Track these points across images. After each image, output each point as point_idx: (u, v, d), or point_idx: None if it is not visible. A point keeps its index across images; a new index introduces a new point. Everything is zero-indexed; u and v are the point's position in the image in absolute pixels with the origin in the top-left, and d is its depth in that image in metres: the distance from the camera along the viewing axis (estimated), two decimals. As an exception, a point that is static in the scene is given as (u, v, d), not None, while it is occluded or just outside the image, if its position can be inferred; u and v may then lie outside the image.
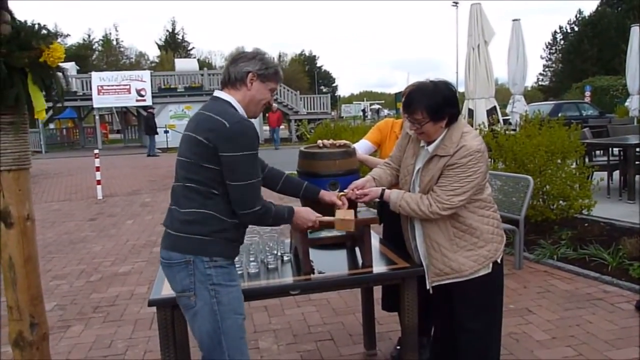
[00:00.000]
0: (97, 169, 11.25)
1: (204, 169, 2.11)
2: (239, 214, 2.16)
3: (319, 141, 2.90)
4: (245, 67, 2.21)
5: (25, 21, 2.18)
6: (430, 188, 2.50)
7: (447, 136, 2.47)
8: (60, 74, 2.25)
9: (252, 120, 2.28)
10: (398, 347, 3.43)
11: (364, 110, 45.82)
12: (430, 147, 2.53)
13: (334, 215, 2.52)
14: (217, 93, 2.26)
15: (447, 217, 2.50)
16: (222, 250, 2.19)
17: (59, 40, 2.23)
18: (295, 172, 2.88)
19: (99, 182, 11.20)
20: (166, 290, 2.46)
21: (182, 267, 2.16)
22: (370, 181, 2.74)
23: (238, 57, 2.25)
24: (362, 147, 3.34)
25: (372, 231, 2.86)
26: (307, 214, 2.41)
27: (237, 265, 2.63)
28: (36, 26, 2.15)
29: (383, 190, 2.66)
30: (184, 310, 2.24)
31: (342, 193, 2.61)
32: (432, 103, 2.42)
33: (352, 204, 2.67)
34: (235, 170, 2.09)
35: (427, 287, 2.68)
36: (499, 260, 2.59)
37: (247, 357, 2.27)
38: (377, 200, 2.75)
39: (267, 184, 2.64)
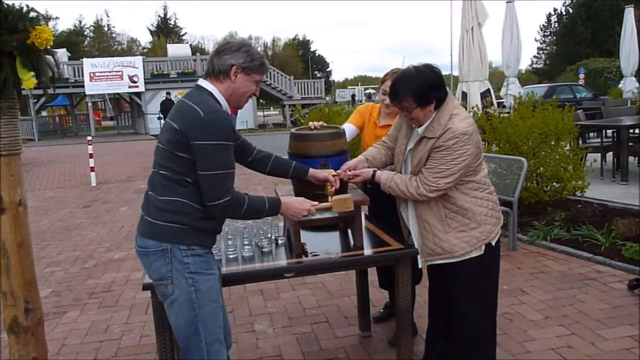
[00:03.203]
0: (91, 156, 11.20)
1: (177, 157, 2.08)
2: (207, 204, 2.11)
3: (310, 123, 2.92)
4: (229, 59, 2.17)
5: (13, 4, 2.15)
6: (420, 169, 2.51)
7: (436, 118, 2.47)
8: (50, 57, 2.23)
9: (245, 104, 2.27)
10: (381, 310, 3.85)
11: (353, 96, 45.51)
12: (420, 129, 2.53)
13: (324, 194, 2.53)
14: (201, 82, 2.23)
15: (438, 198, 2.51)
16: (199, 239, 2.17)
17: (49, 24, 2.19)
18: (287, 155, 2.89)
19: (92, 169, 11.16)
20: (161, 274, 2.46)
21: (158, 255, 2.14)
22: (362, 161, 2.75)
23: (222, 49, 2.20)
24: (346, 130, 3.36)
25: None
26: (300, 204, 2.35)
27: (231, 249, 2.64)
28: (24, 8, 2.12)
29: (374, 171, 2.68)
30: (161, 298, 2.21)
31: (334, 173, 2.61)
32: (418, 89, 2.42)
33: (343, 185, 2.69)
34: (206, 160, 2.06)
35: (420, 266, 2.70)
36: (493, 243, 2.58)
37: (223, 343, 2.27)
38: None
39: (256, 166, 2.62)
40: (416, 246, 2.68)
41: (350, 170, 2.66)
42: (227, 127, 2.09)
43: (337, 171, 2.64)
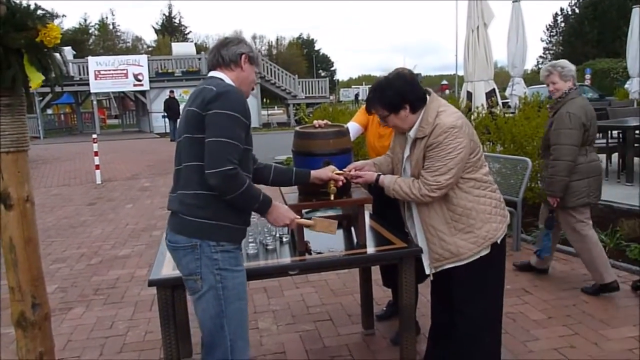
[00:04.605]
0: (96, 153, 11.25)
1: (197, 142, 2.10)
2: (206, 174, 2.04)
3: (315, 121, 2.95)
4: (238, 49, 2.28)
5: (21, 2, 2.16)
6: (419, 172, 2.54)
7: (424, 118, 2.52)
8: (57, 55, 2.24)
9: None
10: (385, 309, 3.86)
11: (357, 95, 45.39)
12: (411, 132, 2.58)
13: (327, 192, 2.56)
14: (212, 73, 2.30)
15: (442, 200, 2.52)
16: (228, 234, 2.19)
17: (56, 21, 2.21)
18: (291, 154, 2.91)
19: (97, 167, 11.21)
20: (166, 271, 2.49)
21: (188, 251, 2.16)
22: (370, 165, 2.81)
23: (227, 42, 2.31)
24: (351, 128, 3.38)
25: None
26: (286, 211, 2.33)
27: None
28: (32, 6, 2.14)
29: (378, 175, 2.70)
30: (190, 292, 2.25)
31: (338, 172, 2.63)
32: (386, 99, 2.52)
33: (347, 184, 2.71)
34: (213, 127, 2.06)
35: (427, 273, 2.70)
36: (498, 241, 2.58)
37: (247, 341, 2.29)
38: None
39: (259, 178, 2.62)
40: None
41: (356, 170, 2.70)
42: (241, 101, 2.13)
43: (344, 170, 2.67)
